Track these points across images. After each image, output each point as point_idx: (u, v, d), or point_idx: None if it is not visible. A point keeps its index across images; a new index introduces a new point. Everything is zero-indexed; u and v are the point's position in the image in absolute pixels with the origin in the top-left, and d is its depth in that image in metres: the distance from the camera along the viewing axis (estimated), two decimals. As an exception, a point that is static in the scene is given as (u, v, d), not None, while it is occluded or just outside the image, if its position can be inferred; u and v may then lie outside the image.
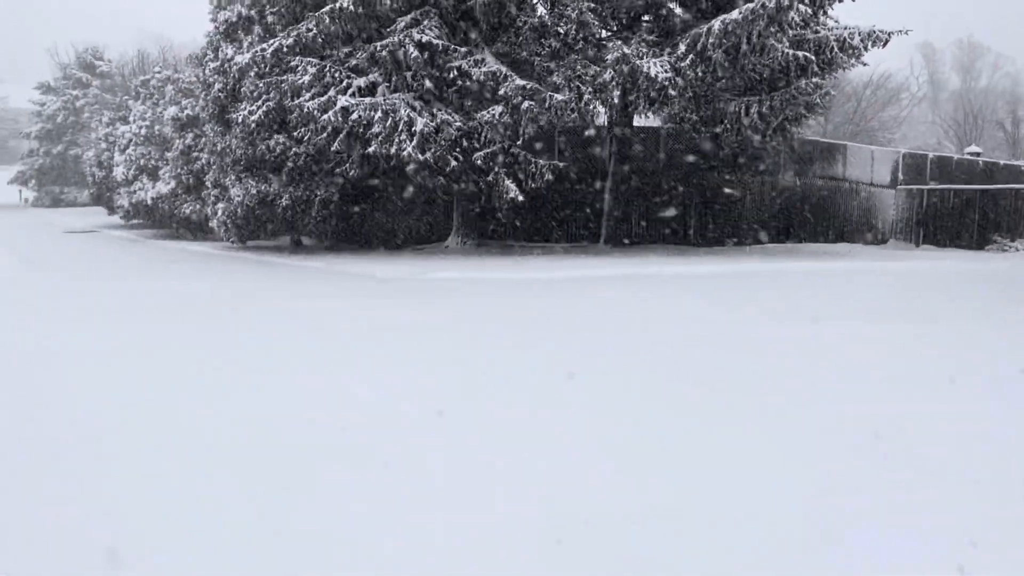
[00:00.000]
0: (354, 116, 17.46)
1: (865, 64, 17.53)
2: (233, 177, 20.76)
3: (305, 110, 18.02)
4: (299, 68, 18.53)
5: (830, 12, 16.75)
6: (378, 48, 17.72)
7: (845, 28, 16.57)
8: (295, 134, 19.00)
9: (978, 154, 28.31)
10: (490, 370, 6.49)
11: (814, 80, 16.41)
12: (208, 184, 22.95)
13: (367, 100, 17.70)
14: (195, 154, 24.63)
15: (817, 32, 16.48)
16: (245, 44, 20.71)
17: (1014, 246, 19.91)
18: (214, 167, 21.73)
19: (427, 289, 12.21)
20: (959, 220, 21.75)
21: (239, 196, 20.07)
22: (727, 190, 20.66)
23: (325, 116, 17.67)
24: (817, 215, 22.15)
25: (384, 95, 17.92)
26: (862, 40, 16.13)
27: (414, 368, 6.59)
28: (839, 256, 17.63)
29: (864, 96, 38.18)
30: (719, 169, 20.50)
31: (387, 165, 18.68)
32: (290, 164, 19.65)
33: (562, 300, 10.65)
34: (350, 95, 17.95)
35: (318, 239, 21.26)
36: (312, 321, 9.12)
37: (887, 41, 16.10)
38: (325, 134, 18.25)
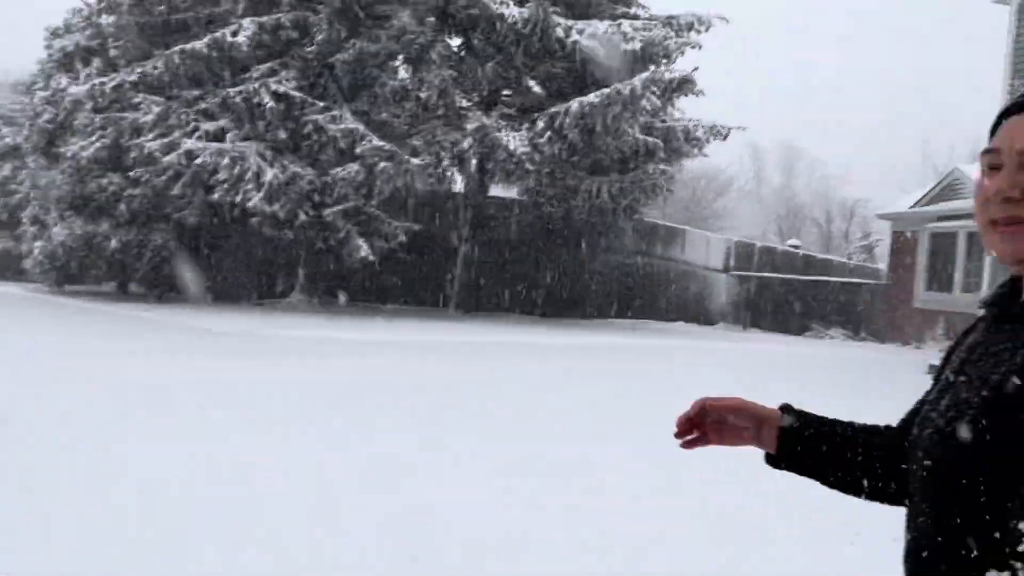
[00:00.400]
0: (199, 160, 16.65)
1: (706, 155, 18.73)
2: (56, 215, 19.16)
3: (146, 150, 17.01)
4: (142, 106, 17.54)
5: (677, 104, 17.84)
6: (231, 94, 17.09)
7: (690, 120, 17.69)
8: (131, 174, 17.84)
9: (798, 247, 30.79)
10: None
11: (661, 166, 17.29)
12: (26, 220, 21.06)
13: (214, 145, 16.95)
14: (12, 186, 22.60)
15: (664, 122, 17.47)
16: (82, 75, 19.43)
17: (829, 334, 21.52)
18: (34, 202, 20.00)
19: (268, 348, 11.55)
20: (783, 307, 23.34)
21: (62, 236, 18.50)
22: (578, 264, 21.20)
23: (168, 158, 16.74)
24: (657, 294, 23.11)
25: (233, 142, 17.23)
26: (705, 133, 17.27)
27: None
28: (673, 334, 18.36)
29: (699, 186, 40.82)
30: (569, 243, 21.05)
31: (231, 215, 17.84)
32: (123, 206, 18.37)
33: (395, 367, 10.35)
34: (196, 138, 17.13)
35: (149, 287, 19.86)
36: (137, 381, 8.32)
37: (727, 135, 17.31)
38: (166, 177, 17.25)
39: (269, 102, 16.74)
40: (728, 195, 47.17)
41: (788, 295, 23.45)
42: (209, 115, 17.81)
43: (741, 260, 25.33)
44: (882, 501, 1.25)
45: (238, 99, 17.04)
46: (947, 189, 18.54)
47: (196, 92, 18.04)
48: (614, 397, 8.54)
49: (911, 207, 19.33)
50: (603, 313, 21.77)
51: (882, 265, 33.62)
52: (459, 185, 19.36)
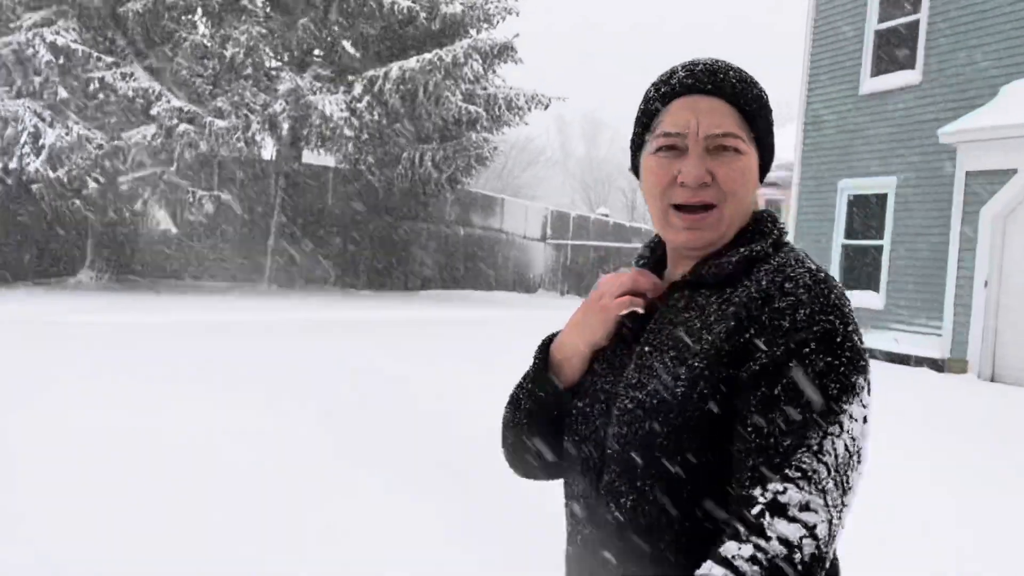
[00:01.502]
0: (-40, 122, 14.46)
1: (527, 124, 18.73)
2: None
3: None
4: None
5: (498, 71, 17.62)
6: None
7: (511, 88, 17.54)
8: None
9: (607, 215, 31.89)
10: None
11: (483, 135, 17.06)
12: None
13: (-22, 104, 14.77)
14: None
15: (486, 89, 17.22)
16: None
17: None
18: None
19: (60, 336, 10.18)
20: (598, 272, 24.08)
21: None
22: (399, 234, 20.64)
23: (-82, 120, 14.41)
24: (478, 263, 23.06)
25: (2, 100, 15.11)
26: (527, 101, 17.19)
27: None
28: (495, 304, 18.37)
29: (510, 156, 41.19)
30: (390, 213, 20.43)
31: (5, 183, 15.70)
32: None
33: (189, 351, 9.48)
34: (-44, 96, 14.86)
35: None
36: None
37: (548, 104, 17.35)
38: (-81, 139, 14.85)
39: (45, 55, 14.79)
40: (537, 165, 48.06)
41: (602, 260, 24.22)
42: (-32, 69, 15.51)
43: (557, 228, 25.83)
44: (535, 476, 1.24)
45: (6, 51, 14.93)
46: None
47: (-50, 43, 15.63)
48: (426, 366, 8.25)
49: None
50: (426, 284, 21.41)
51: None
52: (270, 151, 18.17)
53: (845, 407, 0.94)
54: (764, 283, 1.01)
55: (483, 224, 23.27)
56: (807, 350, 0.94)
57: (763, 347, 0.96)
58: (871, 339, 11.49)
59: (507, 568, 3.48)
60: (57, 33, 15.07)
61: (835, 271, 12.92)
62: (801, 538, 0.89)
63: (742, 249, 1.06)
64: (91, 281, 17.07)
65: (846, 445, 0.93)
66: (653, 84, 1.12)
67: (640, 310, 1.09)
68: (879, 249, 12.22)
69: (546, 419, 1.16)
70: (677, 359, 1.02)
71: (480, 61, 15.60)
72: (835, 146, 13.05)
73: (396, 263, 20.95)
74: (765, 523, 0.90)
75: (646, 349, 1.06)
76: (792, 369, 0.94)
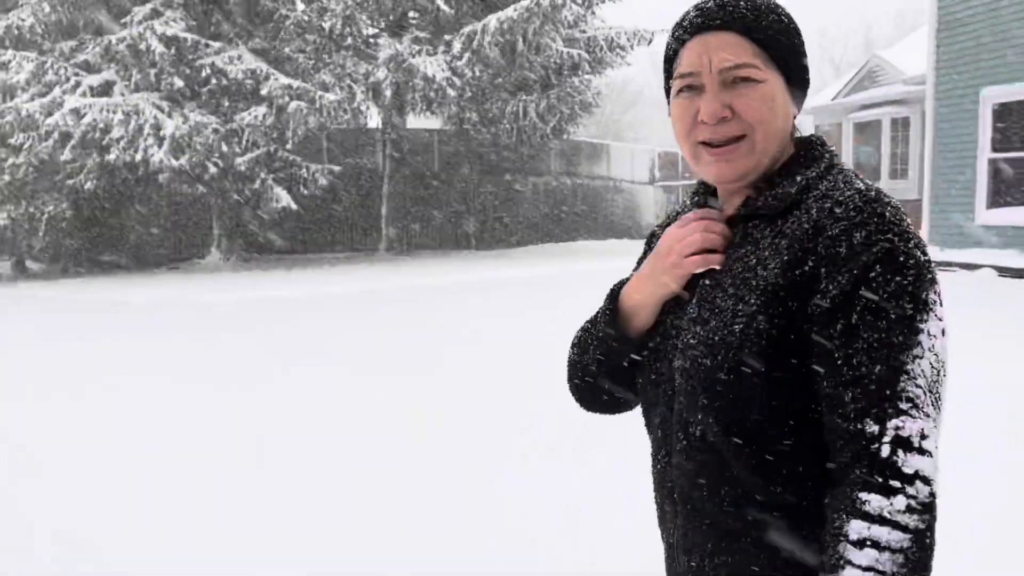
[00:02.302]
0: (88, 119, 15.13)
1: (629, 64, 18.12)
2: (-69, 195, 17.29)
3: (23, 113, 15.35)
4: (12, 64, 15.75)
5: (597, 12, 17.04)
6: (114, 42, 15.49)
7: (611, 28, 16.94)
8: (11, 142, 16.14)
9: (715, 151, 30.76)
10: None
11: (586, 77, 16.60)
12: None
13: (103, 101, 15.43)
14: None
15: (584, 32, 16.69)
16: (-65, 36, 17.31)
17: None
18: (-96, 183, 17.98)
19: (201, 317, 10.59)
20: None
21: (-60, 217, 16.72)
22: (507, 189, 20.53)
23: (51, 120, 15.15)
24: (587, 213, 22.72)
25: (123, 94, 15.71)
26: (628, 39, 16.57)
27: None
28: (604, 254, 17.99)
29: (610, 99, 40.25)
30: (497, 170, 20.31)
31: (133, 174, 16.41)
32: (7, 178, 16.67)
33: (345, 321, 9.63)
34: (80, 95, 15.55)
35: (50, 262, 18.30)
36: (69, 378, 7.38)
37: (651, 40, 16.65)
38: (51, 141, 15.67)
39: (158, 47, 15.25)
40: (636, 107, 46.83)
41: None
42: (91, 67, 16.18)
43: (666, 170, 25.12)
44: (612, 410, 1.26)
45: (122, 47, 15.46)
46: (867, 78, 18.49)
47: (72, 43, 16.32)
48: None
49: (833, 99, 19.25)
50: (537, 239, 21.27)
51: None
52: (374, 119, 18.26)
53: (922, 325, 0.93)
54: (814, 212, 1.00)
55: (589, 172, 22.85)
56: (873, 274, 0.94)
57: (826, 278, 0.95)
58: (1031, 258, 10.61)
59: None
60: (166, 24, 15.49)
61: (982, 189, 11.96)
62: (934, 471, 0.91)
63: (798, 178, 1.04)
64: (220, 262, 17.77)
65: (931, 363, 0.93)
66: (671, 29, 1.11)
67: (717, 266, 1.07)
68: (1033, 159, 11.21)
69: (616, 364, 1.18)
70: (735, 295, 1.02)
71: (581, 2, 15.09)
72: (975, 51, 11.98)
73: (506, 219, 20.87)
74: (900, 461, 0.90)
75: (707, 283, 1.07)
76: (863, 296, 0.93)
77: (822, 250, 0.96)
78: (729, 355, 0.99)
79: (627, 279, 1.19)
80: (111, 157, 15.54)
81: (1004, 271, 10.76)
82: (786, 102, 1.06)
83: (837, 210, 0.98)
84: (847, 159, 19.04)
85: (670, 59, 1.10)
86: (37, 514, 4.06)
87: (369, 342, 7.85)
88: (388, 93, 16.25)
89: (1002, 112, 11.75)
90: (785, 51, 1.06)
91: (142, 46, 15.30)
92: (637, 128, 43.98)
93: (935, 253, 12.32)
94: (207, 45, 15.79)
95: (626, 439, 4.55)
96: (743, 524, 1.02)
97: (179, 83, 15.61)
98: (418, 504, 4.00)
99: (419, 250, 19.46)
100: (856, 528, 0.89)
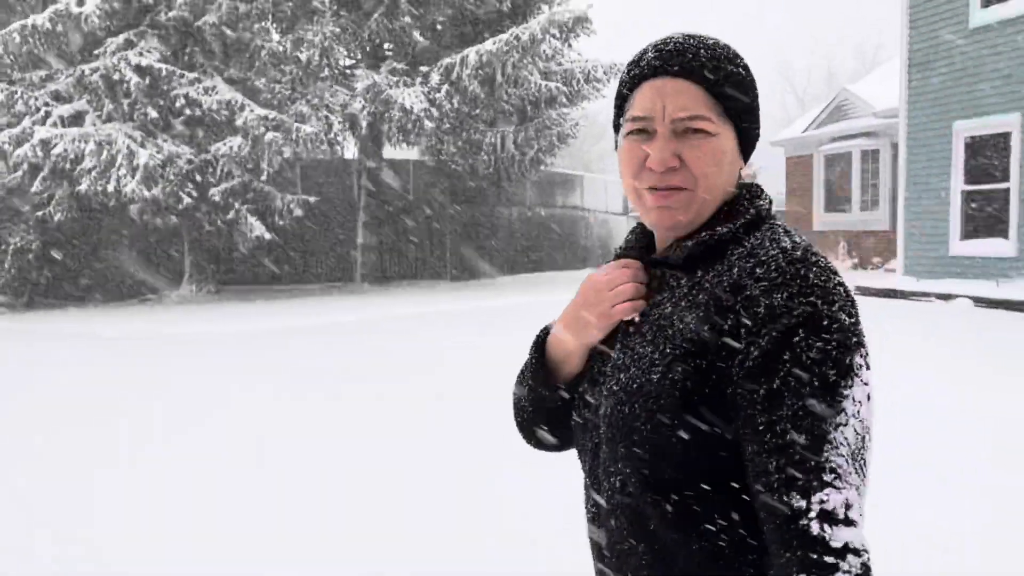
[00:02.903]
0: (58, 150, 14.87)
1: (605, 96, 18.32)
2: None
3: (-9, 144, 15.04)
4: (-20, 94, 15.45)
5: (574, 45, 17.22)
6: (87, 72, 15.28)
7: (587, 61, 17.12)
8: (-23, 172, 15.82)
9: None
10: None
11: (563, 110, 16.72)
12: None
13: (74, 131, 15.18)
14: None
15: (561, 65, 16.84)
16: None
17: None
18: None
19: (167, 351, 10.35)
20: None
21: (-98, 250, 16.26)
22: (483, 220, 20.52)
23: (19, 151, 14.86)
24: (563, 243, 22.79)
25: (95, 124, 15.48)
26: (605, 72, 16.76)
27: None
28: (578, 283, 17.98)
29: (580, 131, 40.64)
30: (473, 201, 20.32)
31: (104, 205, 16.12)
32: (-28, 208, 16.30)
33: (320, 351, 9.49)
34: (51, 125, 15.29)
35: (15, 295, 17.86)
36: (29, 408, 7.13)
37: (627, 75, 16.75)
38: (20, 172, 15.36)
39: (132, 77, 15.07)
40: (605, 139, 47.35)
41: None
42: (61, 98, 15.93)
43: (638, 200, 25.34)
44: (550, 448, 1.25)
45: (95, 76, 15.26)
46: (837, 111, 18.87)
47: (42, 73, 16.07)
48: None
49: (804, 131, 19.61)
50: (512, 269, 21.26)
51: (770, 192, 34.62)
52: (351, 150, 18.19)
53: (846, 391, 0.92)
54: (735, 270, 0.99)
55: (564, 203, 22.96)
56: (796, 338, 0.92)
57: (746, 338, 0.94)
58: (1004, 290, 10.80)
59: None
60: (140, 54, 15.33)
61: (956, 220, 12.20)
62: (862, 540, 0.90)
63: (703, 233, 1.04)
64: (191, 294, 17.46)
65: (855, 430, 0.92)
66: (627, 66, 1.10)
67: (637, 317, 1.07)
68: (1005, 193, 11.47)
69: (550, 408, 1.18)
70: (652, 343, 1.02)
71: (559, 36, 15.24)
72: (945, 86, 12.28)
73: (481, 251, 20.84)
74: (828, 536, 0.89)
75: (630, 329, 1.07)
76: (785, 361, 0.92)
77: (741, 310, 0.95)
78: (648, 404, 0.98)
79: (552, 324, 1.18)
80: (82, 188, 15.26)
81: (979, 301, 10.95)
82: (734, 157, 1.06)
83: (759, 270, 0.96)
84: (818, 191, 19.36)
85: (622, 96, 1.09)
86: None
87: (356, 368, 7.71)
88: (364, 124, 16.21)
89: (974, 145, 12.03)
90: (740, 106, 1.05)
91: (116, 76, 15.11)
92: (605, 159, 44.45)
93: (910, 283, 12.51)
94: (181, 75, 15.65)
95: None
96: None
97: (153, 113, 15.42)
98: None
99: (395, 280, 19.33)
100: None
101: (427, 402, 6.42)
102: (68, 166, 15.08)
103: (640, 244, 1.15)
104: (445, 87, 15.16)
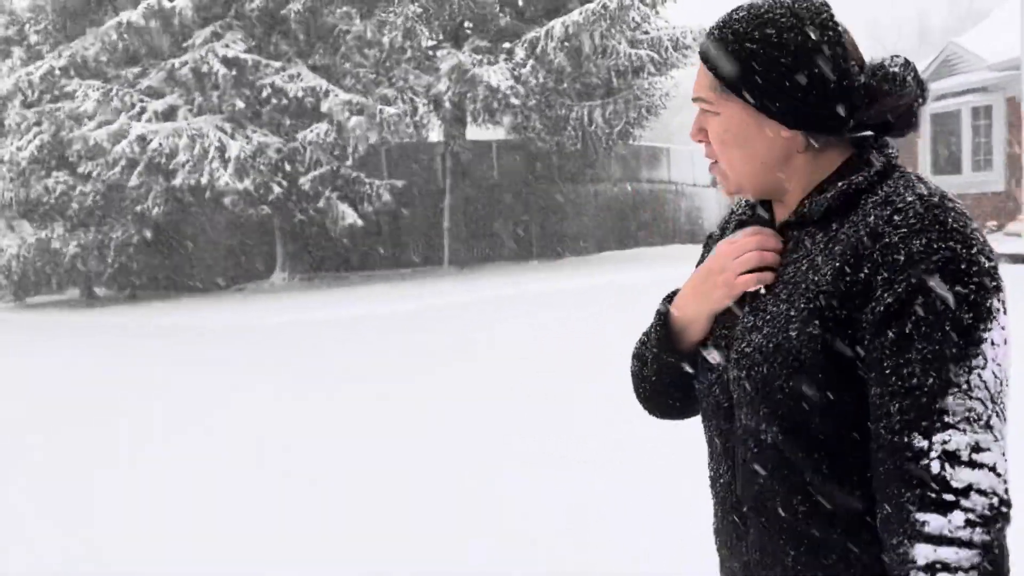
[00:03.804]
0: (153, 145, 15.18)
1: (694, 65, 17.66)
2: (3, 224, 17.55)
3: (91, 142, 15.46)
4: (79, 93, 15.88)
5: (660, 11, 16.61)
6: (177, 66, 15.53)
7: (674, 27, 16.49)
8: (80, 170, 16.29)
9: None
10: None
11: (653, 79, 16.17)
12: (-30, 236, 19.32)
13: (168, 126, 15.47)
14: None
15: (647, 33, 16.27)
16: (4, 69, 17.59)
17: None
18: (-24, 215, 18.28)
19: (278, 338, 10.40)
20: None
21: (13, 246, 16.93)
22: (569, 197, 20.15)
23: (117, 147, 15.23)
24: (650, 219, 22.23)
25: (187, 119, 15.74)
26: (694, 38, 16.11)
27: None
28: (678, 261, 17.42)
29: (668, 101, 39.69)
30: (556, 178, 19.96)
31: (198, 197, 16.42)
32: (76, 205, 16.82)
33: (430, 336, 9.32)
34: (146, 121, 15.61)
35: (119, 288, 18.43)
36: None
37: (718, 39, 16.02)
38: (119, 168, 15.75)
39: (220, 69, 15.23)
40: (686, 110, 46.21)
41: (782, 200, 22.74)
42: (155, 93, 16.25)
43: (727, 171, 24.52)
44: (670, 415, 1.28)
45: (185, 70, 15.49)
46: (943, 66, 17.73)
47: (136, 69, 16.42)
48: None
49: (906, 91, 18.48)
50: (599, 247, 20.83)
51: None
52: (436, 131, 18.05)
53: (984, 335, 0.92)
54: (871, 218, 0.99)
55: (651, 177, 22.37)
56: (932, 283, 0.92)
57: (882, 285, 0.94)
58: None
59: None
60: (227, 46, 15.48)
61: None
62: (992, 482, 0.90)
63: (840, 183, 1.04)
64: (283, 282, 17.68)
65: (994, 373, 0.92)
66: None
67: (763, 289, 1.08)
68: None
69: (675, 375, 1.19)
70: (787, 301, 1.03)
71: (648, 2, 14.68)
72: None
73: (568, 229, 20.47)
74: (949, 476, 0.89)
75: (760, 291, 1.07)
76: (920, 305, 0.92)
77: (878, 257, 0.95)
78: (789, 361, 0.99)
79: (676, 291, 1.20)
80: (177, 181, 15.57)
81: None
82: (749, 129, 1.06)
83: (896, 217, 0.96)
84: (924, 153, 18.29)
85: None
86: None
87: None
88: (448, 104, 16.02)
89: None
90: (743, 80, 1.04)
91: (204, 69, 15.30)
92: (687, 131, 43.38)
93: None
94: (267, 65, 15.74)
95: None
96: (825, 535, 1.00)
97: (240, 104, 15.58)
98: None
99: (483, 263, 19.18)
100: (923, 553, 0.89)
101: (524, 385, 6.17)
102: (163, 160, 15.38)
103: (752, 212, 1.17)
104: (531, 62, 14.81)
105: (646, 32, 16.12)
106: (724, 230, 1.22)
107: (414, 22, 15.06)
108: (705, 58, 1.07)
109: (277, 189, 15.86)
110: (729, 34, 1.06)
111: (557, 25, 14.52)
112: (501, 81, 14.55)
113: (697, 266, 1.20)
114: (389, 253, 19.01)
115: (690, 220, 23.26)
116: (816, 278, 0.99)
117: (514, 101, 14.83)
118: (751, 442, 1.04)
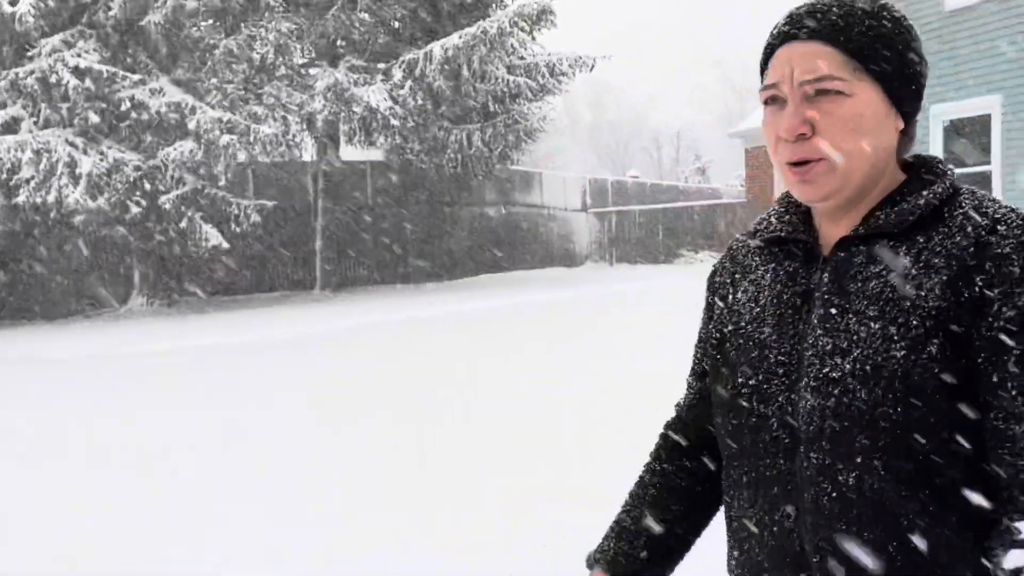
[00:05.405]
0: (-8, 160, 13.84)
1: (568, 91, 17.95)
2: None
3: (-81, 156, 13.92)
4: (-96, 102, 14.31)
5: (536, 38, 16.82)
6: (21, 75, 14.30)
7: (550, 54, 16.74)
8: (-96, 187, 14.65)
9: (636, 176, 31.06)
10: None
11: (530, 104, 16.32)
12: None
13: (9, 139, 14.20)
14: None
15: (523, 59, 16.44)
16: None
17: (698, 258, 21.73)
18: None
19: (129, 370, 9.58)
20: (646, 237, 23.36)
21: None
22: (443, 220, 19.98)
23: (-49, 162, 13.79)
24: (523, 242, 22.39)
25: (32, 131, 14.50)
26: (570, 65, 16.41)
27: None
28: (557, 283, 17.64)
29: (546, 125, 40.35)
30: (433, 202, 19.76)
31: (45, 217, 15.13)
32: (-103, 226, 15.10)
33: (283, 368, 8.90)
34: (-17, 133, 14.25)
35: (-53, 317, 16.65)
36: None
37: (593, 66, 16.52)
38: (-48, 184, 14.26)
39: (71, 79, 14.14)
40: (559, 134, 47.22)
41: (649, 224, 23.49)
42: (-7, 104, 14.87)
43: (596, 197, 25.12)
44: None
45: (30, 80, 14.29)
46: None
47: (-30, 78, 14.98)
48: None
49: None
50: (474, 270, 20.77)
51: (718, 184, 34.79)
52: (308, 151, 17.48)
53: None
54: (969, 228, 0.94)
55: (524, 201, 22.58)
56: None
57: (1000, 299, 0.89)
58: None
59: None
60: (78, 55, 14.42)
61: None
62: None
63: (925, 192, 0.98)
64: (141, 308, 16.51)
65: None
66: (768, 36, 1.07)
67: (834, 309, 1.02)
68: (987, 176, 11.48)
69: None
70: (879, 318, 0.94)
71: (527, 28, 14.83)
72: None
73: (442, 253, 20.29)
74: None
75: (832, 311, 0.98)
76: None
77: (991, 268, 0.90)
78: (895, 384, 0.91)
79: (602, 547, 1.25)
80: (20, 199, 14.29)
81: None
82: (883, 117, 0.98)
83: (1000, 227, 0.92)
84: (779, 185, 19.35)
85: (762, 68, 1.06)
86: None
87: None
88: (319, 124, 15.54)
89: (950, 130, 12.03)
90: (882, 60, 0.97)
91: (53, 79, 14.17)
92: (553, 158, 44.27)
93: None
94: (124, 77, 14.76)
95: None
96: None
97: (95, 118, 14.51)
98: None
99: (355, 286, 18.65)
100: (1013, 559, 0.85)
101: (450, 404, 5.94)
102: (4, 176, 14.10)
103: (797, 226, 1.06)
104: (408, 83, 14.61)
105: (522, 58, 16.29)
106: (756, 233, 1.11)
107: (287, 38, 14.55)
108: (835, 34, 0.97)
109: (135, 208, 14.86)
110: (854, 16, 0.98)
111: (436, 48, 14.41)
112: (380, 102, 14.26)
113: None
114: (258, 277, 18.15)
115: (563, 242, 23.61)
116: (922, 292, 0.93)
117: (394, 122, 14.57)
118: (827, 483, 0.95)
